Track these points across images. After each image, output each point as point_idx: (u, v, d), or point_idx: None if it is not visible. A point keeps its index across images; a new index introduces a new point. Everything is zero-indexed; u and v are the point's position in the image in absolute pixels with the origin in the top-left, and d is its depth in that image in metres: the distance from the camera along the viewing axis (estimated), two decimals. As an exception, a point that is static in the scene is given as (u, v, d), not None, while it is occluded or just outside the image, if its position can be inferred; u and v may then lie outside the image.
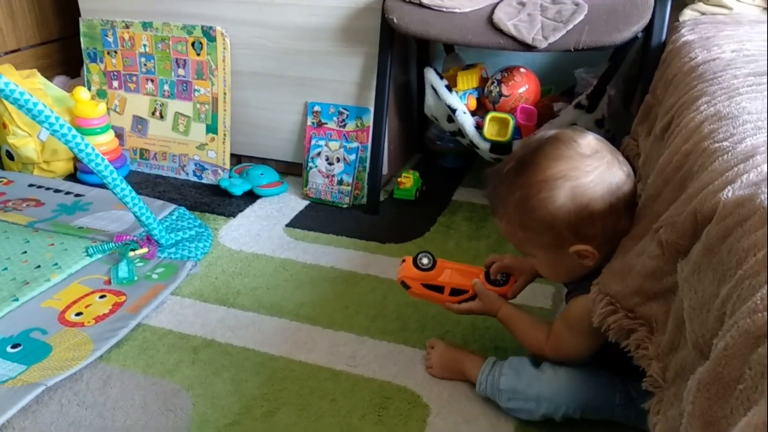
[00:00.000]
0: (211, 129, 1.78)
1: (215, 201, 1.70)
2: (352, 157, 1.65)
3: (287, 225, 1.59)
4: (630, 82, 1.53)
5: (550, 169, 0.85)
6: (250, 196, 1.72)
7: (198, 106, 1.78)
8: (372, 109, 1.63)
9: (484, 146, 1.53)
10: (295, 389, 1.06)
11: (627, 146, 1.29)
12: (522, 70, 1.57)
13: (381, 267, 1.40)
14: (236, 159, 1.87)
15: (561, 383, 0.94)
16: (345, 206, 1.66)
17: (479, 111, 1.60)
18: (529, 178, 0.86)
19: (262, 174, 1.74)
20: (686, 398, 0.49)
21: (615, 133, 1.59)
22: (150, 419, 1.00)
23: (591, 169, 0.84)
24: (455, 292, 1.07)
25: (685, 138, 0.84)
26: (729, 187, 0.63)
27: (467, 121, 1.54)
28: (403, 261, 1.10)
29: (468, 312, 1.06)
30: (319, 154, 1.69)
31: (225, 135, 1.77)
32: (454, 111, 1.55)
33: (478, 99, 1.62)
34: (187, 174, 1.83)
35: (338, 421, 1.00)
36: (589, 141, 0.88)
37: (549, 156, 0.86)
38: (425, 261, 1.09)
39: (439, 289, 1.08)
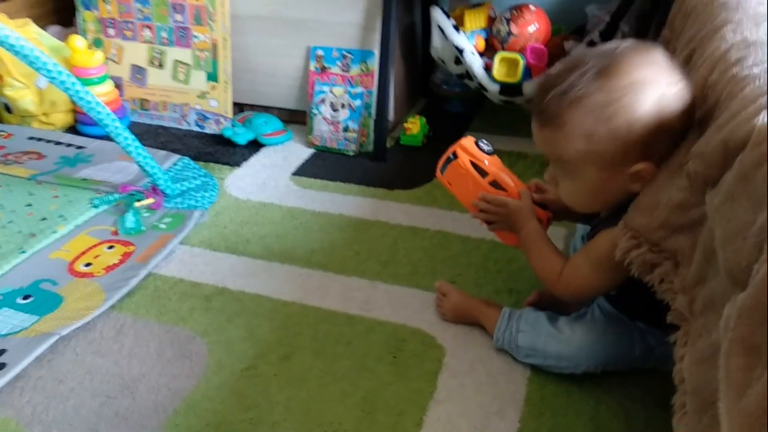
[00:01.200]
0: (212, 77, 1.73)
1: (219, 151, 1.67)
2: (358, 102, 1.62)
3: (293, 173, 1.57)
4: (642, 18, 1.48)
5: (639, 73, 0.76)
6: (254, 145, 1.69)
7: (197, 53, 1.73)
8: (377, 53, 1.58)
9: (493, 88, 1.50)
10: (309, 333, 1.06)
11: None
12: (532, 7, 1.52)
13: (390, 213, 1.38)
14: (238, 107, 1.83)
15: (580, 342, 0.93)
16: (351, 154, 1.63)
17: (488, 52, 1.56)
18: (614, 82, 0.75)
19: (265, 122, 1.71)
20: (725, 326, 0.48)
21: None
22: (166, 366, 1.00)
23: (676, 80, 0.77)
24: (496, 185, 0.99)
25: (709, 68, 0.81)
26: (763, 113, 0.61)
27: (476, 63, 1.50)
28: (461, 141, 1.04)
29: (498, 207, 0.98)
30: (323, 100, 1.65)
31: (226, 83, 1.72)
32: (461, 52, 1.51)
33: (486, 39, 1.58)
34: (189, 124, 1.79)
35: (354, 364, 1.00)
36: (668, 56, 0.81)
37: (635, 61, 0.77)
38: (486, 147, 1.01)
39: (483, 173, 1.00)
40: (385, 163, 1.59)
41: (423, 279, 1.18)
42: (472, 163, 1.00)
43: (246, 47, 1.72)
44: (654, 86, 0.75)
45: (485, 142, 1.02)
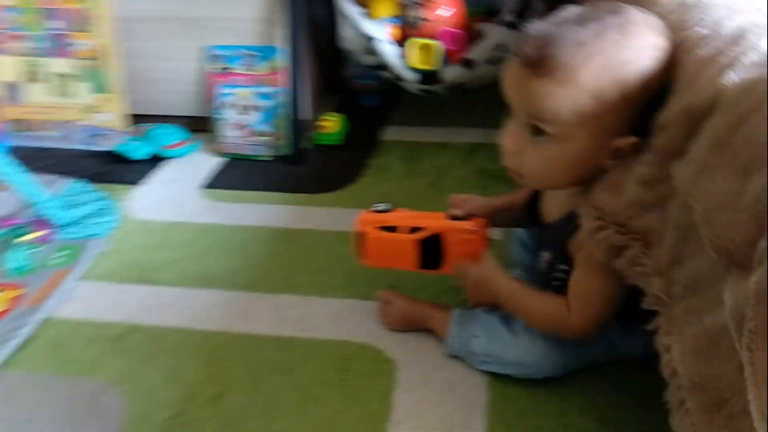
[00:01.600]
0: (100, 88, 1.55)
1: (115, 169, 1.50)
2: (268, 103, 1.49)
3: (204, 186, 1.42)
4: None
5: (655, 38, 0.68)
6: (156, 160, 1.52)
7: (80, 62, 1.54)
8: (284, 49, 1.47)
9: (411, 77, 1.42)
10: (242, 366, 0.94)
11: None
12: (442, -10, 1.45)
13: (317, 219, 1.28)
14: (137, 120, 1.65)
15: (540, 348, 0.86)
16: (267, 159, 1.51)
17: (402, 41, 1.47)
18: (635, 42, 0.67)
19: (165, 133, 1.55)
20: (734, 314, 0.42)
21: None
22: (75, 428, 0.85)
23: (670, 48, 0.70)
24: (413, 230, 0.94)
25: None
26: (730, 72, 0.55)
27: (390, 52, 1.41)
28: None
29: (463, 279, 0.91)
30: (227, 103, 1.51)
31: (118, 93, 1.55)
32: (374, 41, 1.41)
33: (398, 27, 1.49)
34: (76, 142, 1.60)
35: (297, 394, 0.89)
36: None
37: (650, 24, 0.69)
38: (381, 207, 0.98)
39: (394, 229, 0.95)
40: (305, 165, 1.47)
41: (361, 288, 1.08)
42: (381, 228, 0.96)
43: (138, 53, 1.56)
44: (664, 53, 0.68)
45: (379, 204, 0.99)
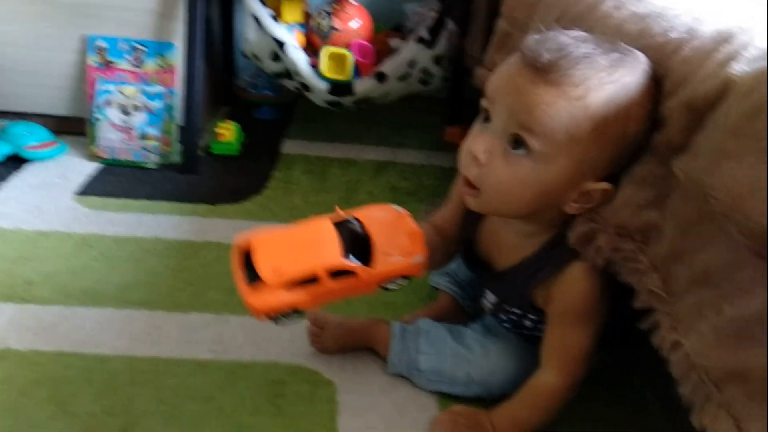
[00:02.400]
0: (-58, 73, 1.29)
1: (-39, 170, 1.24)
2: (157, 104, 1.33)
3: (78, 193, 1.22)
4: (466, 14, 1.46)
5: (654, 87, 0.64)
6: (14, 161, 1.29)
7: None
8: (179, 45, 1.33)
9: (321, 86, 1.35)
10: (150, 394, 0.78)
11: (484, 78, 1.22)
12: (353, 1, 1.41)
13: (220, 232, 1.14)
14: (-18, 116, 1.40)
15: (497, 364, 0.81)
16: (153, 166, 1.34)
17: (306, 50, 1.40)
18: (636, 79, 0.63)
19: (27, 132, 1.33)
20: None
21: (450, 73, 1.53)
22: (-73, 481, 0.64)
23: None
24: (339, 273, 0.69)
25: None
26: (735, 65, 0.56)
27: (300, 58, 1.34)
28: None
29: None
30: (109, 102, 1.33)
31: (-35, 81, 1.30)
32: (282, 46, 1.33)
33: (304, 35, 1.42)
34: None
35: (224, 423, 0.76)
36: None
37: (645, 64, 0.65)
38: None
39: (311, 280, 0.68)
40: (198, 175, 1.33)
41: (284, 304, 0.97)
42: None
43: (-6, 36, 1.33)
44: (653, 99, 0.64)
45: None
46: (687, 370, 0.54)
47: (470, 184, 0.69)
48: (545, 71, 0.63)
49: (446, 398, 0.82)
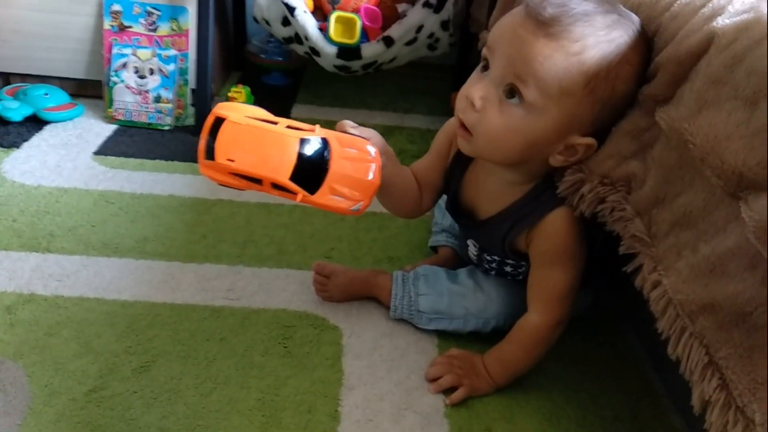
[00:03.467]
0: (-36, 36, 1.34)
1: (-16, 130, 1.29)
2: (170, 67, 1.37)
3: (96, 153, 1.27)
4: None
5: (647, 51, 0.67)
6: (34, 122, 1.34)
7: (-61, 4, 1.32)
8: (191, 9, 1.36)
9: (329, 50, 1.38)
10: (168, 335, 0.84)
11: (488, 41, 1.24)
12: (362, -34, 1.43)
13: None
14: (2, 79, 1.44)
15: (489, 296, 0.86)
16: (167, 128, 1.38)
17: (315, 14, 1.43)
18: (638, 48, 0.66)
19: (46, 94, 1.37)
20: (755, 231, 0.44)
21: (458, 39, 1.55)
22: (-34, 406, 0.70)
23: None
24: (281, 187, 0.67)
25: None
26: (718, 18, 0.59)
27: (309, 22, 1.36)
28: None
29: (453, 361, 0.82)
30: (125, 65, 1.37)
31: (-14, 44, 1.34)
32: (292, 10, 1.36)
33: (314, 1, 1.45)
34: (-69, 99, 1.36)
35: (236, 362, 0.81)
36: None
37: (642, 27, 0.68)
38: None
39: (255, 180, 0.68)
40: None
41: (294, 258, 1.02)
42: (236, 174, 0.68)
43: (13, 1, 1.36)
44: (643, 60, 0.67)
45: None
46: (665, 306, 0.58)
47: (465, 128, 0.72)
48: (546, 24, 0.65)
49: (445, 342, 0.87)
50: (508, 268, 0.85)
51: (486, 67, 0.71)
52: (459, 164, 0.84)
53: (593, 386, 0.84)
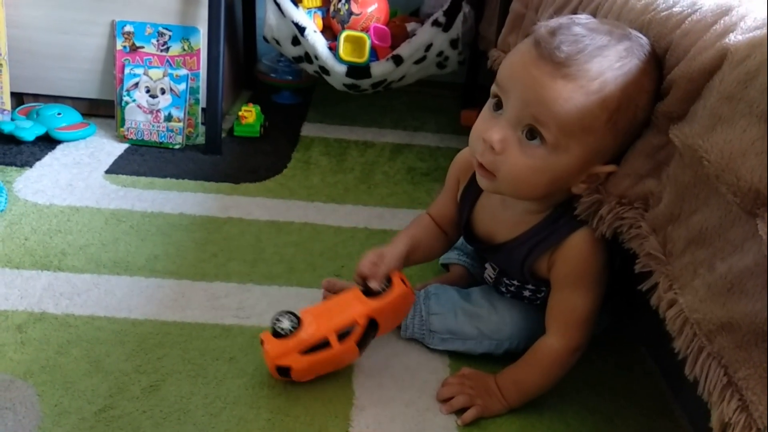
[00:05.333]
0: (-21, 58, 1.35)
1: (-2, 149, 1.31)
2: (181, 87, 1.38)
3: (107, 172, 1.28)
4: (475, 1, 1.49)
5: (656, 68, 0.67)
6: (46, 141, 1.35)
7: (-44, 26, 1.34)
8: (202, 30, 1.37)
9: (339, 70, 1.39)
10: (178, 354, 0.83)
11: (498, 59, 1.25)
12: (371, -14, 1.44)
13: (243, 209, 1.19)
14: (16, 99, 1.46)
15: (503, 317, 0.85)
16: (177, 147, 1.39)
17: (325, 33, 1.44)
18: (652, 71, 0.66)
19: (59, 114, 1.38)
20: None
21: (467, 57, 1.56)
22: (-24, 426, 0.70)
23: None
24: (343, 335, 0.78)
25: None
26: (730, 35, 0.58)
27: (319, 41, 1.37)
28: (262, 343, 0.78)
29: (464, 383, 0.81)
30: (136, 85, 1.38)
31: (1, 66, 1.36)
32: (302, 30, 1.37)
33: (323, 19, 1.46)
34: (-54, 119, 1.38)
35: (246, 382, 0.80)
36: None
37: (653, 54, 0.67)
38: (285, 323, 0.77)
39: (324, 344, 0.77)
40: (221, 156, 1.38)
41: (303, 276, 1.01)
42: (306, 351, 0.77)
43: (26, 22, 1.38)
44: (657, 83, 0.66)
45: (281, 321, 0.77)
46: (681, 325, 0.57)
47: (485, 168, 0.71)
48: (562, 65, 0.64)
49: (456, 361, 0.86)
50: (526, 293, 0.84)
51: (498, 105, 0.70)
52: (469, 193, 0.84)
53: (608, 407, 0.82)
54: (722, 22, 0.61)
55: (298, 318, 0.78)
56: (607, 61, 0.64)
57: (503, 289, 0.87)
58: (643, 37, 0.69)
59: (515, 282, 0.84)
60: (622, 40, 0.66)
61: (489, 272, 0.88)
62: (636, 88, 0.65)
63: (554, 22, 0.69)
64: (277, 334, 0.77)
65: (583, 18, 0.70)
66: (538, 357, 0.78)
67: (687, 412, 0.82)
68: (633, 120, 0.67)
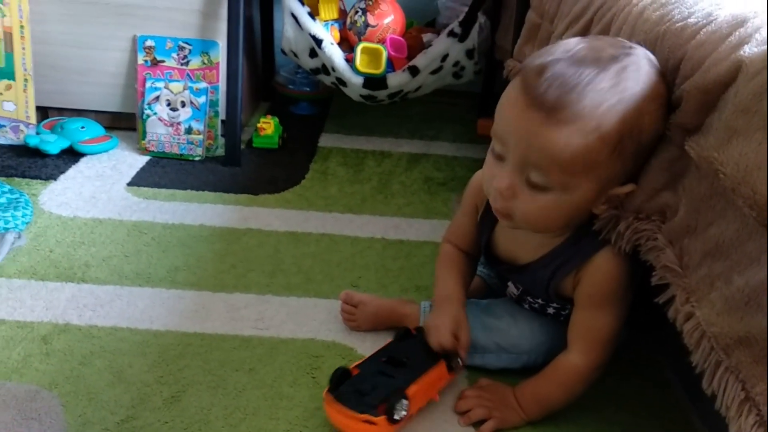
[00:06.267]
0: (6, 74, 1.39)
1: (23, 163, 1.34)
2: (201, 99, 1.41)
3: (129, 184, 1.30)
4: (496, 8, 1.50)
5: (654, 82, 0.65)
6: (70, 154, 1.38)
7: (-17, 43, 1.38)
8: (221, 43, 1.40)
9: (356, 81, 1.40)
10: (198, 365, 0.85)
11: (514, 69, 1.25)
12: (387, -2, 1.46)
13: (262, 220, 1.20)
14: (41, 113, 1.49)
15: (522, 331, 0.84)
16: (197, 159, 1.41)
17: (342, 45, 1.46)
18: (650, 93, 0.65)
19: (82, 128, 1.41)
20: None
21: (483, 66, 1.56)
22: (4, 435, 0.72)
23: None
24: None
25: (628, 33, 0.79)
26: (745, 47, 0.58)
27: (336, 53, 1.39)
28: (370, 423, 0.72)
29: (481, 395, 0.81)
30: (157, 98, 1.41)
31: (27, 80, 1.39)
32: (320, 43, 1.39)
33: (340, 31, 1.48)
34: (-26, 133, 1.41)
35: (265, 393, 0.81)
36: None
37: (647, 67, 0.66)
38: (404, 411, 0.73)
39: None
40: (240, 167, 1.40)
41: (321, 287, 1.02)
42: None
43: (51, 38, 1.41)
44: (662, 97, 0.66)
45: (396, 403, 0.73)
46: (699, 339, 0.57)
47: (504, 213, 0.72)
48: (554, 110, 0.63)
49: (474, 373, 0.86)
50: (550, 310, 0.84)
51: (501, 156, 0.70)
52: (488, 218, 0.83)
53: (627, 419, 0.82)
54: (737, 33, 0.61)
55: (408, 399, 0.74)
56: (599, 96, 0.63)
57: (527, 306, 0.87)
58: (636, 48, 0.68)
59: (539, 300, 0.84)
60: (610, 64, 0.64)
61: (512, 290, 0.88)
62: (635, 114, 0.64)
63: (539, 60, 0.67)
64: (394, 419, 0.72)
65: (570, 47, 0.68)
66: (560, 373, 0.78)
67: (707, 426, 0.81)
68: (639, 143, 0.66)
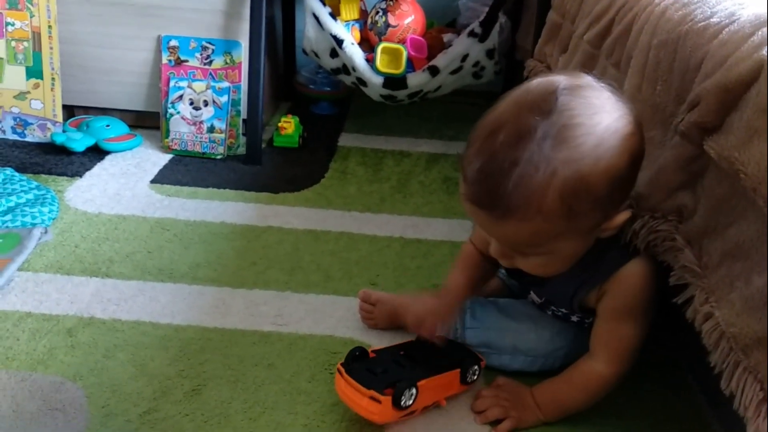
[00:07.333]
0: (34, 73, 1.42)
1: (50, 160, 1.37)
2: (224, 99, 1.42)
3: (152, 181, 1.32)
4: (516, 8, 1.50)
5: (599, 127, 0.63)
6: (95, 153, 1.41)
7: (13, 44, 1.41)
8: (244, 43, 1.41)
9: (376, 81, 1.41)
10: (218, 360, 0.86)
11: (534, 69, 1.25)
12: (407, -2, 1.46)
13: (282, 218, 1.22)
14: (67, 111, 1.52)
15: (541, 335, 0.84)
16: (219, 157, 1.43)
17: (362, 45, 1.47)
18: (581, 143, 0.62)
19: (107, 126, 1.44)
20: None
21: (503, 67, 1.56)
22: (29, 425, 0.73)
23: (625, 111, 0.66)
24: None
25: (650, 32, 0.79)
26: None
27: (356, 53, 1.40)
28: (374, 400, 0.72)
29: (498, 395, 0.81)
30: (181, 97, 1.43)
31: (54, 79, 1.42)
32: (340, 43, 1.40)
33: (360, 32, 1.49)
34: (3, 131, 1.45)
35: (284, 388, 0.82)
36: (592, 81, 0.68)
37: (583, 107, 0.64)
38: (410, 401, 0.74)
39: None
40: (261, 166, 1.41)
41: (340, 284, 1.03)
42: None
43: (77, 38, 1.44)
44: (614, 134, 0.63)
45: (405, 389, 0.73)
46: (717, 339, 0.57)
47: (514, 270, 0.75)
48: (493, 208, 0.64)
49: (490, 372, 0.86)
50: (574, 318, 0.84)
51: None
52: None
53: (646, 421, 0.81)
54: (760, 33, 0.61)
55: (418, 390, 0.75)
56: (527, 179, 0.61)
57: (549, 313, 0.86)
58: (558, 98, 0.64)
59: (563, 310, 0.84)
60: (534, 131, 0.62)
61: (534, 298, 0.87)
62: (573, 184, 0.62)
63: (469, 148, 0.67)
64: (399, 405, 0.73)
65: (488, 124, 0.67)
66: (582, 379, 0.78)
67: (724, 427, 0.81)
68: (596, 201, 0.64)
